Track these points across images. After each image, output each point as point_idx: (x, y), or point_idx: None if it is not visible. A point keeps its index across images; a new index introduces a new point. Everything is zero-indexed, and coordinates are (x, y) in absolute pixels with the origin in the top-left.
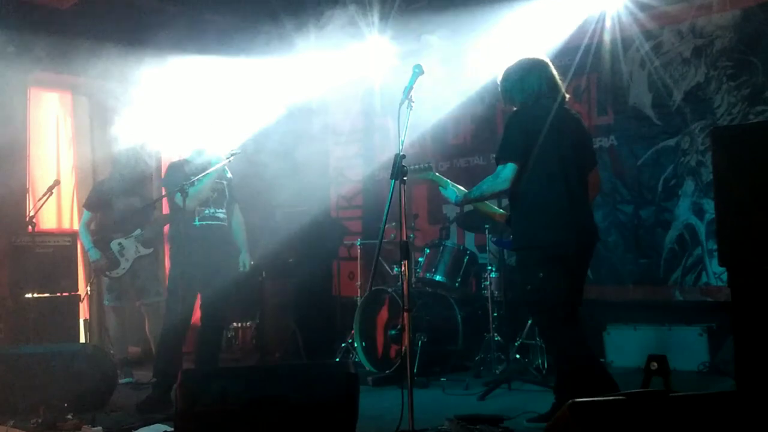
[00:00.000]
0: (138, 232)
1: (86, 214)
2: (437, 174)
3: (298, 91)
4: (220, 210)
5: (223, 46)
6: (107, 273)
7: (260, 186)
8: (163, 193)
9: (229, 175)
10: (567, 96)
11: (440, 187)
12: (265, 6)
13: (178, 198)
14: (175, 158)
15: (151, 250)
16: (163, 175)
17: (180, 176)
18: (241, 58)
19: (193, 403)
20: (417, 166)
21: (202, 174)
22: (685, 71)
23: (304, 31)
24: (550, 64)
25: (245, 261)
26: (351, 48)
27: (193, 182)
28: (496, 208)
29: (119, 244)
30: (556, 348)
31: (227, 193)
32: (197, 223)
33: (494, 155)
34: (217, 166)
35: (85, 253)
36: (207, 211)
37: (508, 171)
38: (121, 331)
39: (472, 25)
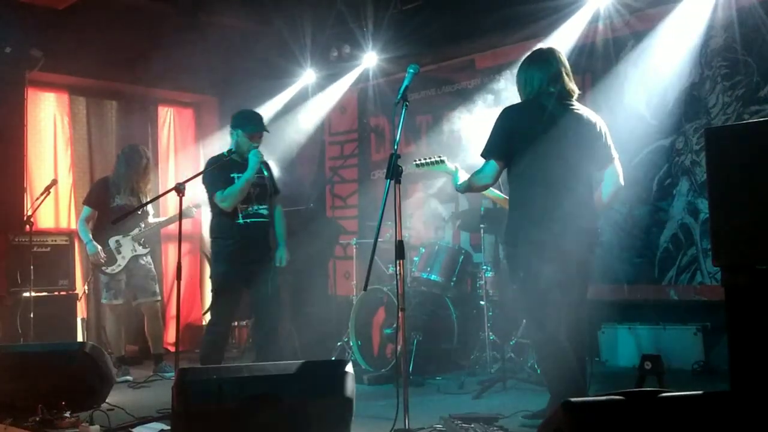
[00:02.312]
0: (136, 231)
1: (86, 209)
2: (448, 165)
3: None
4: (263, 206)
5: (218, 47)
6: (103, 268)
7: None
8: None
9: (266, 172)
10: (576, 92)
11: (453, 178)
12: (259, 7)
13: (218, 196)
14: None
15: (148, 249)
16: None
17: (220, 173)
18: (239, 59)
19: (190, 402)
20: (429, 159)
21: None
22: (680, 71)
23: (299, 33)
24: (560, 57)
25: (282, 256)
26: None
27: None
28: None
29: (116, 241)
30: (536, 350)
31: (269, 188)
32: (240, 221)
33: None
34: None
35: (83, 246)
36: (250, 209)
37: (488, 168)
38: (118, 329)
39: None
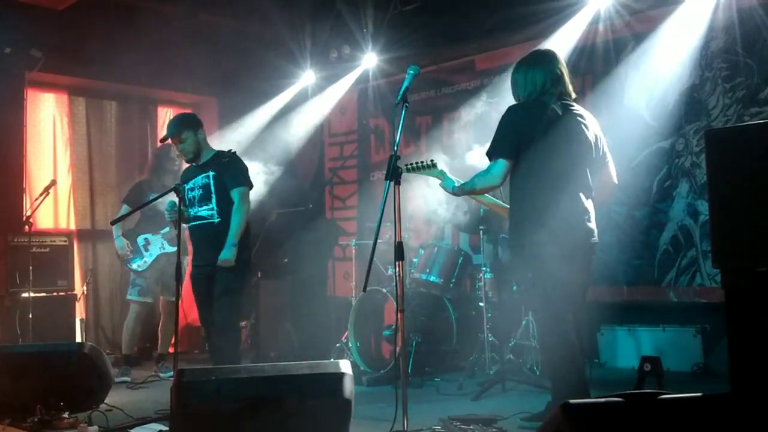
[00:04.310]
0: (166, 229)
1: (123, 207)
2: (441, 169)
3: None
4: (204, 207)
5: (218, 48)
6: (129, 264)
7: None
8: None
9: (213, 171)
10: (573, 94)
11: (440, 183)
12: (259, 8)
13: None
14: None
15: (176, 248)
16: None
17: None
18: (238, 60)
19: (188, 403)
20: (420, 163)
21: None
22: (680, 72)
23: (299, 34)
24: (560, 59)
25: (222, 256)
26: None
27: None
28: (501, 202)
29: (145, 239)
30: (546, 350)
31: (213, 188)
32: (188, 225)
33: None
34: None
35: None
36: (192, 212)
37: (498, 167)
38: (135, 328)
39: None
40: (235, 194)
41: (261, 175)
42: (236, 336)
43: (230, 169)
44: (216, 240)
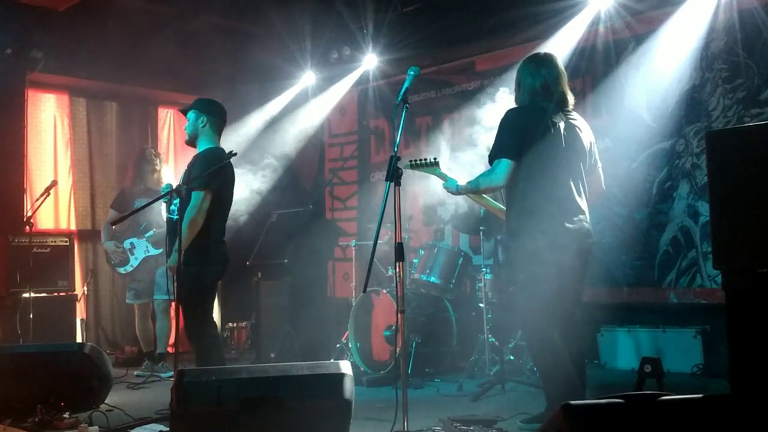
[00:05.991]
0: (150, 233)
1: (111, 212)
2: (442, 170)
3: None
4: (174, 203)
5: (218, 49)
6: (116, 268)
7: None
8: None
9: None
10: (570, 98)
11: (443, 183)
12: (259, 9)
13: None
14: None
15: (161, 250)
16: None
17: None
18: (239, 61)
19: (188, 403)
20: (423, 160)
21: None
22: (681, 73)
23: (299, 35)
24: (557, 64)
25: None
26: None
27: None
28: (498, 204)
29: (131, 242)
30: (532, 350)
31: (182, 188)
32: None
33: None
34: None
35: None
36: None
37: (503, 167)
38: (146, 327)
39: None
40: (191, 196)
41: (261, 176)
42: (205, 343)
43: (194, 169)
44: (172, 238)
